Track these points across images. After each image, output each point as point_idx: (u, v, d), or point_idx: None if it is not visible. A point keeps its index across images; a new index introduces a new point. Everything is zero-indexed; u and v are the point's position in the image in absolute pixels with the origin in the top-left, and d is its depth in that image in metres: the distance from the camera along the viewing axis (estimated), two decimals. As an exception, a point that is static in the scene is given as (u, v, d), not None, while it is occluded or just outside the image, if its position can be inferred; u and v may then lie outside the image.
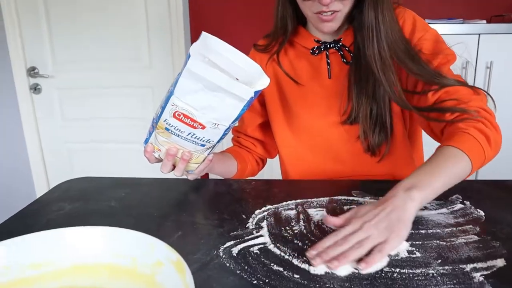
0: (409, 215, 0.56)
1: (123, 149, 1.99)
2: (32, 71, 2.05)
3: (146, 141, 0.73)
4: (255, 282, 0.50)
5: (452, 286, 0.47)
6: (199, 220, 0.67)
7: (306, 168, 0.94)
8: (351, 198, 0.72)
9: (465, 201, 0.69)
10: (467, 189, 0.73)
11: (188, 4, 1.79)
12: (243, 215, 0.68)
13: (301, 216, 0.66)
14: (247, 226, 0.64)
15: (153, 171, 1.97)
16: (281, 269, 0.52)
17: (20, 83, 2.05)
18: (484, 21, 1.73)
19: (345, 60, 0.86)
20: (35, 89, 2.09)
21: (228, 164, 0.92)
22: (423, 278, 0.49)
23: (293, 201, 0.72)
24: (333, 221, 0.59)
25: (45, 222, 0.69)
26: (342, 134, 0.88)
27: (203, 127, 0.63)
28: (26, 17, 1.94)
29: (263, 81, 0.60)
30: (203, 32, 0.60)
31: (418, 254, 0.54)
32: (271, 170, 1.20)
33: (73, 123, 2.06)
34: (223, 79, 0.56)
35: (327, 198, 0.72)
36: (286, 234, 0.61)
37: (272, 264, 0.53)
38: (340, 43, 0.86)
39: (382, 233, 0.54)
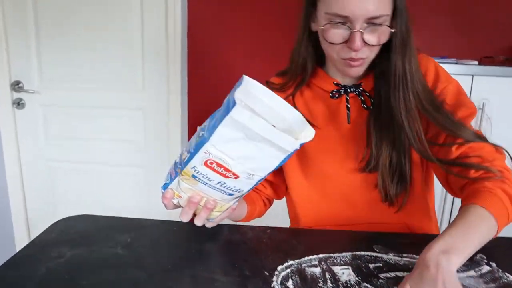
0: (455, 277, 0.55)
1: (109, 172, 1.91)
2: (16, 85, 1.97)
3: (166, 186, 0.68)
4: None
5: None
6: (218, 277, 0.62)
7: (318, 213, 0.91)
8: (374, 254, 0.70)
9: (490, 262, 0.67)
10: (489, 246, 0.71)
11: (187, 27, 1.76)
12: (265, 272, 0.64)
13: (327, 275, 0.63)
14: (272, 286, 0.60)
15: (139, 197, 1.90)
16: None
17: (3, 97, 1.96)
18: (476, 62, 1.78)
19: (365, 106, 0.84)
20: (18, 104, 1.99)
21: (240, 208, 0.88)
22: None
23: (315, 256, 0.69)
24: None
25: (45, 271, 0.63)
26: (359, 181, 0.86)
27: (236, 177, 0.59)
28: (13, 31, 1.86)
29: (307, 133, 0.57)
30: (244, 76, 0.56)
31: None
32: (275, 215, 1.15)
33: (57, 141, 1.98)
34: (268, 130, 0.53)
35: (349, 254, 0.69)
36: (316, 298, 0.57)
37: (309, 338, 0.49)
38: (361, 88, 0.84)
39: None
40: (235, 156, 0.57)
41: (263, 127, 0.53)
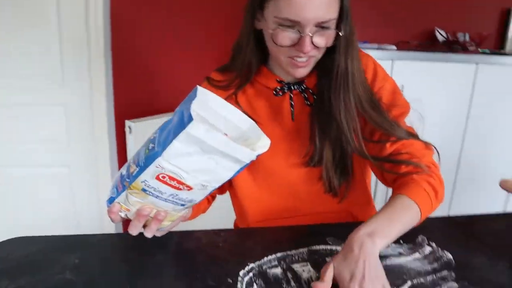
0: (377, 257, 0.61)
1: (31, 174, 1.74)
2: None
3: (112, 200, 0.64)
4: None
5: None
6: (183, 292, 0.60)
7: (264, 207, 0.92)
8: (328, 247, 0.73)
9: (431, 242, 0.74)
10: (427, 227, 0.78)
11: (110, 18, 1.64)
12: (228, 279, 0.63)
13: (289, 275, 0.64)
14: (238, 293, 0.60)
15: (67, 199, 1.76)
16: None
17: None
18: (394, 47, 1.90)
19: (308, 103, 0.86)
20: None
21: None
22: None
23: (274, 256, 0.69)
24: (323, 287, 0.58)
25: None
26: (303, 175, 0.88)
27: (190, 189, 0.57)
28: None
29: (263, 142, 0.57)
30: (197, 87, 0.54)
31: (417, 313, 0.56)
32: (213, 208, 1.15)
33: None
34: (224, 142, 0.52)
35: (306, 250, 0.72)
36: (283, 300, 0.58)
37: None
38: (304, 85, 0.86)
39: (377, 284, 0.57)
40: (190, 169, 0.55)
41: (219, 140, 0.52)
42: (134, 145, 1.71)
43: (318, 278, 0.63)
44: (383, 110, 0.79)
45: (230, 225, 1.06)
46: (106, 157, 1.76)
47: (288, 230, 0.81)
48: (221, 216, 1.09)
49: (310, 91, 0.85)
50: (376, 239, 0.61)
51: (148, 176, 0.56)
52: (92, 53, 1.63)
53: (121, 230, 1.87)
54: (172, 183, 0.56)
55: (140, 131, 1.71)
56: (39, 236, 0.76)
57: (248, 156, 0.54)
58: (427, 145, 0.81)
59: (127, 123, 1.70)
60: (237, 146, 0.53)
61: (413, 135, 0.80)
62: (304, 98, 0.86)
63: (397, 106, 0.81)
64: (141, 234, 0.70)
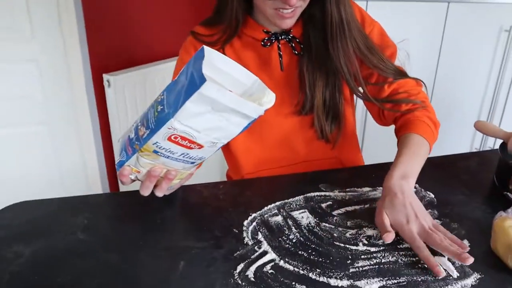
0: (416, 196, 0.69)
1: (7, 134, 1.70)
2: None
3: (122, 163, 0.65)
4: (289, 308, 0.53)
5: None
6: (193, 244, 0.65)
7: (257, 158, 0.96)
8: (322, 193, 0.78)
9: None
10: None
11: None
12: (234, 229, 0.68)
13: (290, 222, 0.70)
14: (245, 242, 0.65)
15: (48, 157, 1.74)
16: (304, 286, 0.56)
17: None
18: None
19: (296, 52, 0.87)
20: None
21: None
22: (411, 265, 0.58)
23: (273, 205, 0.75)
24: (392, 236, 0.64)
25: (9, 277, 0.59)
26: (295, 124, 0.91)
27: (201, 147, 0.60)
28: None
29: (268, 97, 0.59)
30: (204, 47, 0.54)
31: (408, 247, 0.64)
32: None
33: None
34: (234, 100, 0.54)
35: (302, 197, 0.77)
36: (287, 245, 0.64)
37: (293, 283, 0.57)
38: (291, 35, 0.87)
39: (428, 218, 0.66)
40: (201, 128, 0.57)
41: (229, 98, 0.53)
42: (114, 99, 1.69)
43: (317, 224, 0.69)
44: (379, 51, 0.83)
45: (216, 177, 1.10)
46: (86, 113, 1.73)
47: (283, 179, 0.86)
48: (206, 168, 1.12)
49: (297, 40, 0.87)
50: (409, 180, 0.70)
51: (159, 137, 0.57)
52: (60, 2, 1.54)
53: (107, 187, 1.89)
54: (184, 143, 0.58)
55: (120, 84, 1.68)
56: (40, 200, 0.77)
57: (256, 111, 0.56)
58: (417, 81, 0.88)
59: (105, 77, 1.66)
60: (246, 102, 0.54)
61: (404, 74, 0.86)
62: (292, 47, 0.87)
63: (387, 47, 0.86)
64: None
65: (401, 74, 0.85)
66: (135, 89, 1.75)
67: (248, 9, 0.87)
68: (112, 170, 1.87)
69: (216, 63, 0.57)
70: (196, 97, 0.52)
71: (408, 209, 0.66)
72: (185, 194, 0.80)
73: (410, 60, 0.91)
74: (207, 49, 0.55)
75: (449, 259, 0.61)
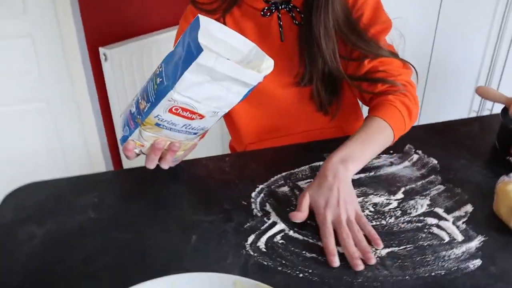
0: (350, 183, 0.67)
1: (5, 112, 1.69)
2: None
3: (125, 138, 0.66)
4: (301, 275, 0.55)
5: (445, 238, 0.60)
6: (203, 217, 0.67)
7: (259, 126, 0.97)
8: (327, 163, 0.79)
9: (417, 151, 0.81)
10: (412, 136, 0.85)
11: None
12: (242, 201, 0.70)
13: (296, 192, 0.71)
14: (254, 213, 0.67)
15: (50, 134, 1.73)
16: (314, 255, 0.58)
17: None
18: None
19: (296, 22, 0.86)
20: None
21: None
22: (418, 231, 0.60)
23: (279, 176, 0.76)
24: (301, 216, 0.64)
25: (26, 258, 0.60)
26: (294, 95, 0.91)
27: (202, 117, 0.60)
28: None
29: (267, 63, 0.59)
30: (199, 16, 0.54)
31: (413, 213, 0.65)
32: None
33: None
34: (232, 68, 0.53)
35: (307, 167, 0.78)
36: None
37: (304, 252, 0.59)
38: (291, 4, 0.85)
39: (351, 208, 0.63)
40: (201, 98, 0.57)
41: (227, 66, 0.53)
42: (112, 73, 1.67)
43: (323, 192, 0.71)
44: (360, 29, 0.81)
45: (218, 147, 1.10)
46: (84, 88, 1.71)
47: (287, 150, 0.87)
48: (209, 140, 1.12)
49: (298, 9, 0.85)
50: (348, 165, 0.66)
51: (161, 110, 0.58)
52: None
53: (111, 165, 1.90)
54: (185, 114, 0.58)
55: (117, 57, 1.65)
56: (48, 180, 0.78)
57: (255, 78, 0.56)
58: (405, 64, 0.83)
59: (102, 50, 1.63)
60: (244, 69, 0.54)
61: (392, 53, 0.82)
62: (292, 17, 0.86)
63: (378, 22, 0.83)
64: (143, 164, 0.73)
65: (385, 52, 0.81)
66: (133, 62, 1.73)
67: None
68: (114, 145, 1.87)
69: (213, 32, 0.56)
70: (194, 67, 0.52)
71: (332, 193, 0.63)
72: (191, 168, 0.80)
73: (405, 40, 0.87)
74: (202, 18, 0.54)
75: (453, 223, 0.63)
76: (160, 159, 0.68)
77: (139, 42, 1.71)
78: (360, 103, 0.99)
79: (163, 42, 1.76)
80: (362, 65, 0.82)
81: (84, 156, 1.86)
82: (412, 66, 0.85)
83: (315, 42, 0.81)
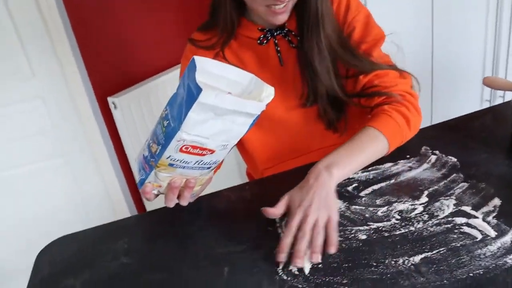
0: (331, 189, 0.67)
1: (26, 172, 1.74)
2: None
3: (142, 181, 0.68)
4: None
5: (478, 236, 0.59)
6: (232, 248, 0.67)
7: (273, 151, 0.98)
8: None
9: (434, 151, 0.81)
10: (426, 137, 0.85)
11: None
12: (268, 227, 0.70)
13: (320, 210, 0.71)
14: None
15: (67, 190, 1.77)
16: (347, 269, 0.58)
17: None
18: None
19: (293, 45, 0.88)
20: None
21: None
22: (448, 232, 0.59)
23: (301, 197, 0.76)
24: (273, 212, 0.66)
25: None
26: (302, 116, 0.92)
27: (212, 152, 0.61)
28: None
29: (267, 91, 0.60)
30: (194, 57, 0.56)
31: (441, 215, 0.65)
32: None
33: None
34: (234, 102, 0.55)
35: (327, 184, 0.78)
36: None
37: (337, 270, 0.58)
38: (286, 29, 0.87)
39: (323, 212, 0.63)
40: (208, 134, 0.58)
41: (228, 101, 0.55)
42: (123, 120, 1.71)
43: (347, 208, 0.71)
44: (352, 47, 0.82)
45: (235, 175, 1.11)
46: (98, 138, 1.76)
47: (303, 170, 0.86)
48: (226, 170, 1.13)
49: (293, 33, 0.87)
50: (333, 171, 0.67)
51: (172, 151, 0.59)
52: (54, 40, 1.57)
53: (134, 209, 1.92)
54: (195, 151, 0.60)
55: (125, 104, 1.70)
56: (78, 232, 0.80)
57: (258, 108, 0.58)
58: (401, 73, 0.84)
59: (110, 99, 1.69)
60: (245, 101, 0.56)
61: (388, 65, 0.83)
62: (288, 41, 0.88)
63: (370, 36, 0.84)
64: (172, 208, 0.74)
65: (378, 66, 0.82)
66: (141, 106, 1.78)
67: (241, 9, 0.88)
68: (134, 189, 1.90)
69: (210, 69, 0.58)
70: (196, 106, 0.54)
71: (308, 196, 0.64)
72: (213, 201, 0.81)
73: (404, 52, 0.87)
74: (197, 58, 0.56)
75: (483, 219, 0.62)
76: (178, 196, 0.70)
77: (145, 86, 1.77)
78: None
79: (167, 82, 1.82)
80: (358, 81, 0.84)
81: (107, 204, 1.89)
82: (412, 74, 0.85)
83: (310, 64, 0.83)
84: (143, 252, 0.71)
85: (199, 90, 0.52)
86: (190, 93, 0.54)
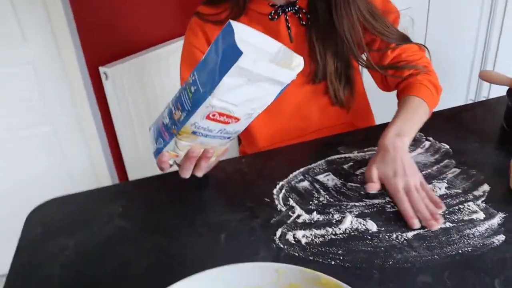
0: (409, 155, 0.72)
1: (12, 137, 1.70)
2: None
3: (159, 151, 0.66)
4: (333, 263, 0.56)
5: (466, 217, 0.61)
6: (230, 217, 0.68)
7: (274, 129, 0.98)
8: (342, 156, 0.81)
9: (428, 138, 0.83)
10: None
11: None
12: (265, 199, 0.71)
13: (317, 186, 0.73)
14: (278, 209, 0.68)
15: (56, 157, 1.74)
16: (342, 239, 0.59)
17: None
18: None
19: (303, 23, 0.88)
20: None
21: None
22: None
23: (297, 172, 0.77)
24: (376, 186, 0.69)
25: (59, 269, 0.61)
26: (309, 92, 0.93)
27: (238, 120, 0.61)
28: None
29: (297, 61, 0.60)
30: (230, 22, 0.55)
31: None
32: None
33: None
34: (269, 68, 0.55)
35: (323, 161, 0.80)
36: (319, 207, 0.67)
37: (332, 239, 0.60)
38: (297, 6, 0.87)
39: (414, 177, 0.68)
40: (238, 102, 0.58)
41: (264, 67, 0.54)
42: (113, 91, 1.68)
43: (343, 184, 0.73)
44: (382, 17, 0.84)
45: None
46: (87, 108, 1.73)
47: (301, 146, 0.88)
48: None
49: (304, 11, 0.88)
50: (404, 138, 0.72)
51: (198, 118, 0.58)
52: (47, 1, 1.52)
53: (117, 180, 1.90)
54: (222, 118, 0.59)
55: (117, 75, 1.67)
56: (70, 195, 0.78)
57: (289, 76, 0.58)
58: (420, 46, 0.89)
59: (102, 69, 1.65)
60: (280, 69, 0.56)
61: (408, 39, 0.87)
62: (299, 18, 0.88)
63: (390, 12, 0.87)
64: (167, 174, 0.75)
65: (404, 39, 0.86)
66: (133, 78, 1.75)
67: None
68: (118, 161, 1.88)
69: (242, 35, 0.57)
70: (233, 71, 0.53)
71: (397, 164, 0.68)
72: (211, 172, 0.82)
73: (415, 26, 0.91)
74: (233, 23, 0.55)
75: (473, 203, 0.64)
76: (194, 167, 0.69)
77: (138, 58, 1.74)
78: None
79: (162, 55, 1.79)
80: (385, 55, 0.88)
81: (91, 175, 1.86)
82: (425, 46, 0.90)
83: (337, 38, 0.84)
84: (140, 216, 0.72)
85: (238, 53, 0.51)
86: (226, 57, 0.53)
